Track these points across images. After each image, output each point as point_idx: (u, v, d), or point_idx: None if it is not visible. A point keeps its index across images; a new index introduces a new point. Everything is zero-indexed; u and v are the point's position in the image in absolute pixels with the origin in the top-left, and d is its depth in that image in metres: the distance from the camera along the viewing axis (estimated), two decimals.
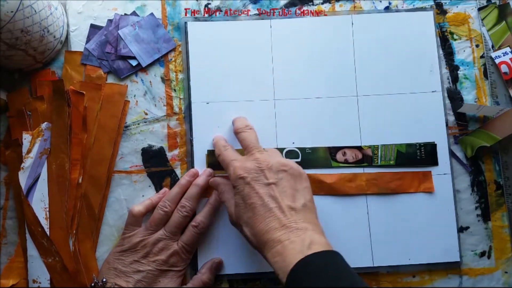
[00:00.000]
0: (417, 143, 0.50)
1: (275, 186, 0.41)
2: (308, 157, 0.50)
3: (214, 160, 0.49)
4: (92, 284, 0.45)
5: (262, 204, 0.40)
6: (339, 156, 0.50)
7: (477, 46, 0.53)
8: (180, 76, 0.52)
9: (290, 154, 0.50)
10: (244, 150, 0.46)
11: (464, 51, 0.53)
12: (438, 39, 0.53)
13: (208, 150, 0.50)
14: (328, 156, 0.50)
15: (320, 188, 0.49)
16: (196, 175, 0.49)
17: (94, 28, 0.52)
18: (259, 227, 0.39)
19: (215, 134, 0.50)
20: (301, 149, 0.50)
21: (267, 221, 0.39)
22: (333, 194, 0.49)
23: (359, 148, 0.50)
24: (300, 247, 0.36)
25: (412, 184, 0.49)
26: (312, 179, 0.49)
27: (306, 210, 0.41)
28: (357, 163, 0.50)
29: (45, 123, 0.49)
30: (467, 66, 0.53)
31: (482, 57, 0.53)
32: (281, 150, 0.50)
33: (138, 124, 0.51)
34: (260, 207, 0.40)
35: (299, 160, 0.50)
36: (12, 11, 0.41)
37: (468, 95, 0.52)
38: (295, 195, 0.41)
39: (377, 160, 0.50)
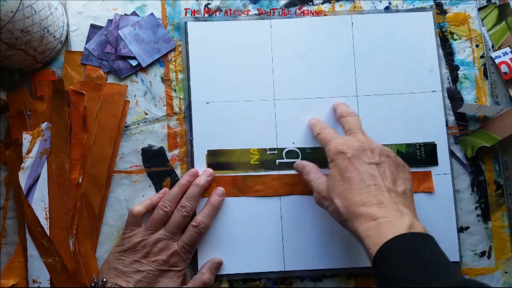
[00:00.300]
0: (417, 143, 0.50)
1: (376, 166, 0.41)
2: (308, 157, 0.50)
3: (214, 160, 0.49)
4: (92, 284, 0.45)
5: (361, 179, 0.40)
6: None
7: (477, 46, 0.53)
8: (180, 76, 0.52)
9: (290, 154, 0.50)
10: (346, 133, 0.46)
11: (464, 51, 0.53)
12: (438, 39, 0.53)
13: (208, 150, 0.50)
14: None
15: None
16: (196, 175, 0.48)
17: (94, 28, 0.52)
18: (355, 199, 0.39)
19: (311, 118, 0.50)
20: (301, 149, 0.50)
21: (364, 195, 0.39)
22: None
23: None
24: (399, 227, 0.36)
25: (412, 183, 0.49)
26: None
27: (405, 196, 0.40)
28: None
29: (45, 123, 0.49)
30: (467, 66, 0.53)
31: (482, 57, 0.53)
32: (281, 150, 0.50)
33: (138, 124, 0.51)
34: (358, 182, 0.40)
35: (299, 160, 0.50)
36: (12, 11, 0.41)
37: (468, 95, 0.52)
38: (395, 181, 0.41)
39: None
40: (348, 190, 0.40)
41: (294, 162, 0.49)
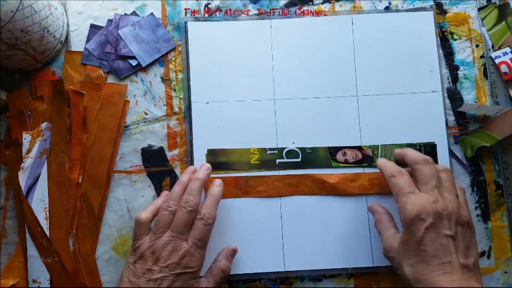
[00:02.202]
0: (417, 143, 0.50)
1: (452, 240, 0.40)
2: (308, 157, 0.50)
3: (214, 160, 0.49)
4: None
5: (436, 255, 0.39)
6: (339, 156, 0.50)
7: (477, 46, 0.53)
8: (180, 76, 0.52)
9: (290, 154, 0.50)
10: (422, 186, 0.42)
11: (464, 51, 0.53)
12: (438, 39, 0.53)
13: (208, 150, 0.50)
14: (328, 156, 0.50)
15: (322, 188, 0.49)
16: (195, 171, 0.48)
17: (94, 28, 0.52)
18: (426, 276, 0.39)
19: (379, 159, 0.46)
20: (301, 149, 0.50)
21: (435, 273, 0.39)
22: (336, 194, 0.49)
23: (359, 148, 0.50)
24: None
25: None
26: (315, 179, 0.49)
27: (476, 269, 0.40)
28: (357, 163, 0.50)
29: (45, 123, 0.49)
30: (467, 66, 0.53)
31: (482, 57, 0.53)
32: (281, 150, 0.50)
33: (138, 124, 0.51)
34: (432, 258, 0.39)
35: (299, 160, 0.50)
36: (12, 11, 0.41)
37: (468, 95, 0.52)
38: (467, 252, 0.40)
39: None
40: (421, 264, 0.39)
41: (295, 161, 0.49)
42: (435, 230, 0.40)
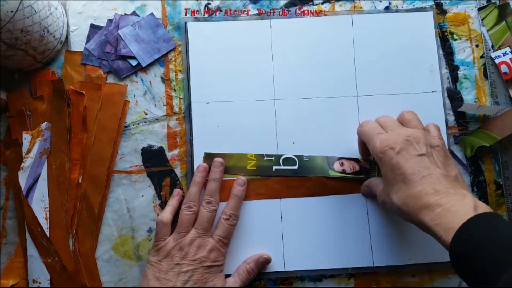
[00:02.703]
0: None
1: (425, 157, 0.40)
2: (305, 165, 0.50)
3: (211, 163, 0.49)
4: None
5: (413, 172, 0.39)
6: (337, 165, 0.50)
7: (477, 46, 0.53)
8: (180, 76, 0.52)
9: (287, 161, 0.50)
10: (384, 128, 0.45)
11: (464, 51, 0.53)
12: (438, 39, 0.53)
13: (205, 153, 0.50)
14: (325, 165, 0.50)
15: (322, 189, 0.49)
16: (206, 169, 0.49)
17: (94, 28, 0.52)
18: (412, 193, 0.39)
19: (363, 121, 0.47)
20: (298, 156, 0.50)
21: (420, 187, 0.39)
22: (336, 194, 0.49)
23: (357, 160, 0.50)
24: (465, 210, 0.36)
25: None
26: (314, 181, 0.49)
27: (459, 180, 0.40)
28: (355, 174, 0.50)
29: (45, 123, 0.49)
30: (467, 66, 0.53)
31: (482, 57, 0.53)
32: (278, 157, 0.50)
33: (138, 124, 0.51)
34: (411, 175, 0.39)
35: (295, 167, 0.50)
36: (12, 11, 0.41)
37: (468, 95, 0.52)
38: (446, 167, 0.41)
39: (374, 173, 0.49)
40: (404, 186, 0.40)
41: (291, 169, 0.49)
42: (407, 153, 0.41)
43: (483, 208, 0.37)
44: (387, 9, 0.53)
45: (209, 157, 0.50)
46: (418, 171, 0.39)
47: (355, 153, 0.50)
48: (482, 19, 0.53)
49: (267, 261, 0.48)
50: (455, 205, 0.37)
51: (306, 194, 0.49)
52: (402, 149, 0.41)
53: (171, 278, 0.44)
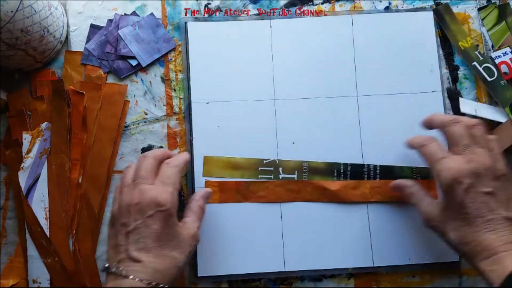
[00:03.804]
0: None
1: (492, 196, 0.39)
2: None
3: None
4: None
5: (479, 215, 0.39)
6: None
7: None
8: (180, 76, 0.52)
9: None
10: (453, 146, 0.42)
11: None
12: (438, 39, 0.53)
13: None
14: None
15: (323, 195, 0.49)
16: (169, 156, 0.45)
17: (94, 28, 0.52)
18: (472, 237, 0.38)
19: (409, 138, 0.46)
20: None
21: (481, 232, 0.38)
22: (337, 202, 0.49)
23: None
24: None
25: None
26: (316, 186, 0.49)
27: None
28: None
29: (45, 123, 0.49)
30: (467, 66, 0.53)
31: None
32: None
33: (138, 124, 0.51)
34: (475, 218, 0.39)
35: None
36: (12, 11, 0.41)
37: (468, 95, 0.52)
38: (509, 204, 0.40)
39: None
40: (465, 226, 0.39)
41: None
42: (474, 190, 0.39)
43: None
44: (387, 9, 0.53)
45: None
46: (483, 214, 0.39)
47: (355, 152, 0.50)
48: (482, 19, 0.53)
49: (210, 194, 0.46)
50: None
51: (307, 199, 0.49)
52: (470, 185, 0.39)
53: (121, 241, 0.39)
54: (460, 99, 0.51)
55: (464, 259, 0.40)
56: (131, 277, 0.37)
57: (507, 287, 0.35)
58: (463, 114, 0.52)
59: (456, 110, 0.52)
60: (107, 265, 0.39)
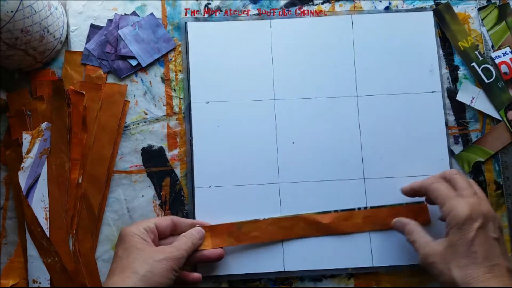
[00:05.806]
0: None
1: (497, 243, 0.40)
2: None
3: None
4: None
5: (486, 257, 0.39)
6: None
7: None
8: (180, 76, 0.52)
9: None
10: (462, 190, 0.42)
11: None
12: (438, 39, 0.53)
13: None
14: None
15: (317, 229, 0.49)
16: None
17: (94, 28, 0.52)
18: (477, 278, 0.38)
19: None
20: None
21: (487, 275, 0.38)
22: (330, 234, 0.49)
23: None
24: None
25: (408, 217, 0.47)
26: (308, 220, 0.49)
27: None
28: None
29: (45, 123, 0.49)
30: (467, 66, 0.53)
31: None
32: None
33: (138, 124, 0.51)
34: (483, 260, 0.39)
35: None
36: (12, 11, 0.41)
37: None
38: (507, 256, 0.41)
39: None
40: (472, 265, 0.39)
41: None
42: (484, 232, 0.40)
43: None
44: (387, 9, 0.53)
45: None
46: (490, 257, 0.39)
47: (355, 152, 0.50)
48: (482, 19, 0.53)
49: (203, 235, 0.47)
50: None
51: (300, 235, 0.48)
52: (482, 225, 0.40)
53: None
54: (464, 81, 0.52)
55: None
56: None
57: None
58: (463, 114, 0.52)
59: (456, 110, 0.52)
60: None
